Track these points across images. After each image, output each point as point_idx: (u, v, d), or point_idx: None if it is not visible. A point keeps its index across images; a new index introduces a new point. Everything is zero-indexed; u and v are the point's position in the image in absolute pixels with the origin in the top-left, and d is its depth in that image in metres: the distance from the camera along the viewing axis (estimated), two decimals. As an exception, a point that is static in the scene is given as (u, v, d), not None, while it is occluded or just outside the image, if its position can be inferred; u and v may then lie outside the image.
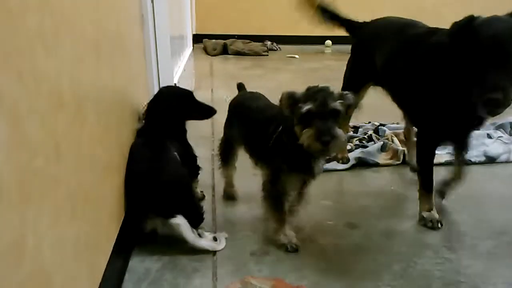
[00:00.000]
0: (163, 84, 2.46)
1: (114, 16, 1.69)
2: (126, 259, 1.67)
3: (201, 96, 3.83)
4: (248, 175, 2.14)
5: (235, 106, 2.08)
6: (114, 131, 1.62)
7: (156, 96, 2.00)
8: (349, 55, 2.47)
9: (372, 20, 2.39)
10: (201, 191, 2.16)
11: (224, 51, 5.95)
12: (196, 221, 1.78)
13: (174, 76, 2.68)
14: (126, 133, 1.83)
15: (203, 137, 2.84)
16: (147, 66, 2.31)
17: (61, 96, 1.09)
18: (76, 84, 1.20)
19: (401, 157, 2.59)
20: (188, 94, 2.03)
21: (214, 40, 6.15)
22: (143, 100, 2.25)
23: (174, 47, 2.85)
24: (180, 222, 1.67)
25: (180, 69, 3.01)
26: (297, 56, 5.79)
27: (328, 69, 5.13)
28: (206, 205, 2.05)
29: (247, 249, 1.78)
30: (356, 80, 2.40)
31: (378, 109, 3.50)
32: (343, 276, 1.61)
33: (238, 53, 5.88)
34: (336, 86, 4.47)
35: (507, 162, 2.57)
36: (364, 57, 2.32)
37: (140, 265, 1.67)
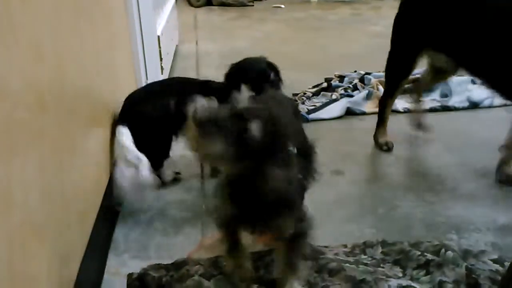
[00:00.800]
0: (146, 36, 2.41)
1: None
2: (116, 211, 1.70)
3: (186, 49, 3.82)
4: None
5: None
6: (96, 85, 1.61)
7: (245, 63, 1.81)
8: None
9: None
10: (177, 172, 1.98)
11: (208, 2, 5.83)
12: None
13: (157, 28, 2.64)
14: (109, 87, 1.83)
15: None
16: (129, 19, 2.26)
17: (40, 48, 1.08)
18: (55, 36, 1.19)
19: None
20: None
21: (198, -9, 6.01)
22: (126, 54, 2.23)
23: (156, -1, 2.79)
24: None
25: (163, 21, 2.95)
26: (282, 6, 5.70)
27: (314, 18, 5.07)
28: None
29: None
30: (410, 45, 2.05)
31: (363, 58, 3.51)
32: (328, 220, 1.66)
33: (222, 4, 5.77)
34: (321, 35, 4.41)
35: (490, 106, 2.61)
36: (420, 14, 1.96)
37: (130, 217, 1.71)
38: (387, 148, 2.19)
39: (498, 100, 2.63)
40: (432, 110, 2.59)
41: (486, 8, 1.74)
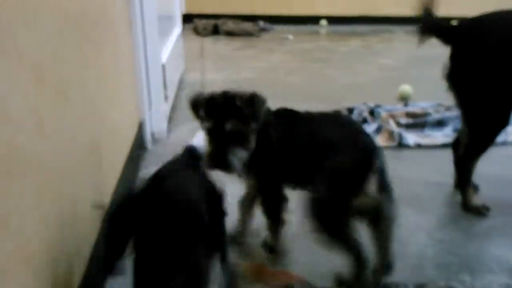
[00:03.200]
0: (151, 64, 2.39)
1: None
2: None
3: (192, 78, 3.81)
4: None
5: None
6: (98, 110, 1.57)
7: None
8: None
9: (481, 20, 1.83)
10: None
11: (215, 31, 5.87)
12: None
13: (162, 56, 2.61)
14: (111, 114, 1.78)
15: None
16: (134, 46, 2.24)
17: (43, 72, 1.05)
18: (58, 60, 1.16)
19: (397, 139, 2.55)
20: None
21: (205, 20, 6.06)
22: (129, 81, 2.20)
23: (163, 27, 2.78)
24: None
25: (168, 50, 2.93)
26: (291, 37, 5.72)
27: (323, 50, 5.07)
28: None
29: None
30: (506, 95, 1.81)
31: (373, 90, 3.48)
32: (337, 257, 1.58)
33: (229, 34, 5.80)
34: (330, 66, 4.39)
35: (503, 144, 2.54)
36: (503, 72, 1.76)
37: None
38: (486, 210, 1.92)
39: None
40: (446, 145, 2.52)
41: None
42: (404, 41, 5.46)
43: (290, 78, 3.89)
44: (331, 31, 6.12)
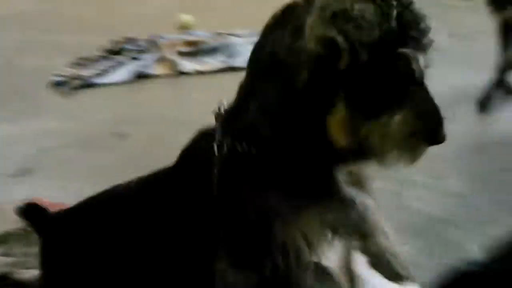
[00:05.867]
0: None
1: None
2: None
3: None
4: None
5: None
6: None
7: None
8: None
9: None
10: None
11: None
12: None
13: None
14: None
15: None
16: None
17: None
18: None
19: (176, 67, 2.60)
20: None
21: None
22: None
23: None
24: None
25: None
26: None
27: None
28: None
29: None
30: None
31: (157, 19, 3.40)
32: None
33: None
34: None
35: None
36: None
37: None
38: None
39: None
40: (223, 70, 2.61)
41: None
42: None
43: (73, 8, 3.62)
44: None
